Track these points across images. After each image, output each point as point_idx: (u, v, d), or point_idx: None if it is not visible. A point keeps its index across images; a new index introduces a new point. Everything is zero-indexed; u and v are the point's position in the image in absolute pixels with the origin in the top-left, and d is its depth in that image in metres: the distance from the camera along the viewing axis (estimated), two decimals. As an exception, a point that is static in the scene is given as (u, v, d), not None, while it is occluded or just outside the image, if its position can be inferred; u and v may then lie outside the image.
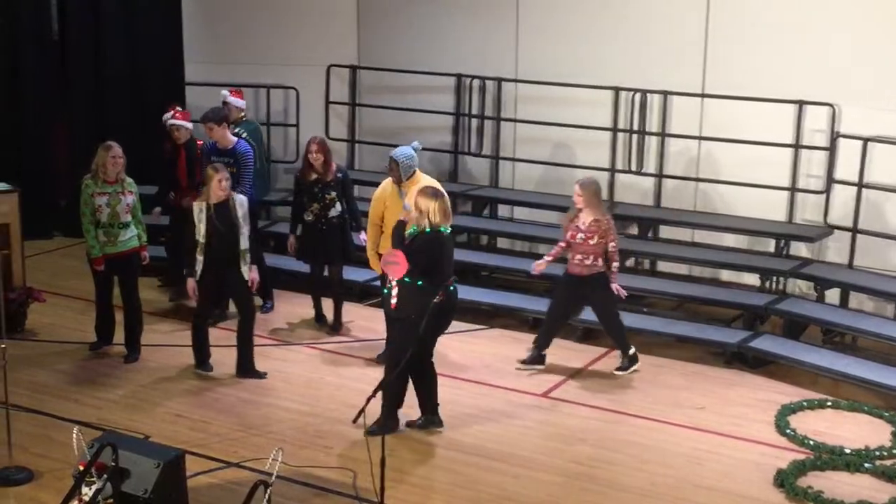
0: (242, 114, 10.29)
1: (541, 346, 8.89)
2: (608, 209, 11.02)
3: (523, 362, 8.86)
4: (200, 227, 8.24)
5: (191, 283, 8.37)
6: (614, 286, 8.60)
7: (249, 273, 8.35)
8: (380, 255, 8.20)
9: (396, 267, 7.27)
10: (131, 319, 8.81)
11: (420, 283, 7.30)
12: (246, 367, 8.51)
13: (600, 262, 8.57)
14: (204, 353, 8.60)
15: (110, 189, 8.50)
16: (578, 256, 8.58)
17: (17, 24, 11.67)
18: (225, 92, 10.36)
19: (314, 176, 9.19)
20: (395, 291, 7.45)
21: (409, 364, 7.14)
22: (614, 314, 8.84)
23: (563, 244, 8.73)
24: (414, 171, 8.43)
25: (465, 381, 8.60)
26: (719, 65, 10.69)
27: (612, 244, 8.54)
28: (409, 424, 7.74)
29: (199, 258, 8.29)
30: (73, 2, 12.05)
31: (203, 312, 8.55)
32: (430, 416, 7.76)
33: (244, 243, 8.30)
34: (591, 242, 8.51)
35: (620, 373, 8.77)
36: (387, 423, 7.50)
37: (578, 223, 8.57)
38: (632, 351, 8.83)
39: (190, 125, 9.98)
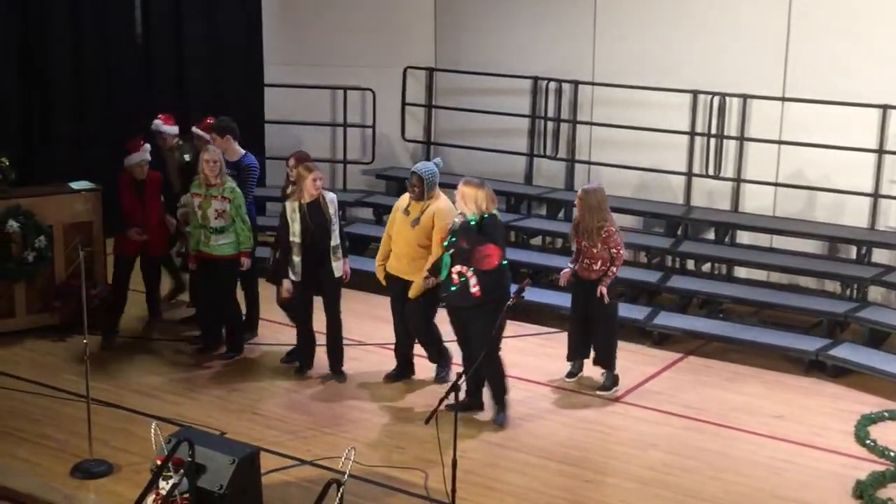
0: (176, 139, 9.84)
1: (572, 357, 8.66)
2: (685, 212, 10.99)
3: (569, 376, 8.67)
4: (294, 226, 8.28)
5: (286, 284, 8.40)
6: (601, 288, 8.22)
7: (343, 267, 8.40)
8: (390, 274, 8.38)
9: (491, 258, 7.57)
10: (225, 321, 8.98)
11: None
12: (332, 367, 8.61)
13: (607, 266, 8.31)
14: (305, 355, 8.66)
15: (205, 192, 8.64)
16: (586, 261, 8.33)
17: (103, 27, 11.91)
18: (157, 121, 9.87)
19: (292, 189, 8.63)
20: (473, 280, 7.59)
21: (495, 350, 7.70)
22: (612, 328, 8.49)
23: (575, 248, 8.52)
24: (435, 188, 8.24)
25: (538, 384, 8.56)
26: (801, 67, 10.52)
27: (614, 250, 8.23)
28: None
29: (296, 259, 8.33)
30: (158, 5, 12.28)
31: (305, 313, 8.54)
32: (474, 401, 8.01)
33: (335, 239, 8.33)
34: (595, 250, 8.25)
35: (604, 393, 8.39)
36: (505, 409, 7.89)
37: (581, 229, 8.34)
38: (617, 371, 8.49)
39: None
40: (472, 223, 7.68)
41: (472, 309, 7.67)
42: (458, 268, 7.71)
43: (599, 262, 8.27)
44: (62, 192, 9.56)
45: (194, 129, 9.64)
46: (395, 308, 8.44)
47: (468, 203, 7.69)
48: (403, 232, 8.20)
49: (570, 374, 8.66)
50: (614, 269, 8.28)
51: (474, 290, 7.62)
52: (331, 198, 8.37)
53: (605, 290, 8.24)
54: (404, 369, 8.56)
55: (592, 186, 8.43)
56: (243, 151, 9.27)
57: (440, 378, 8.47)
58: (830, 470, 7.30)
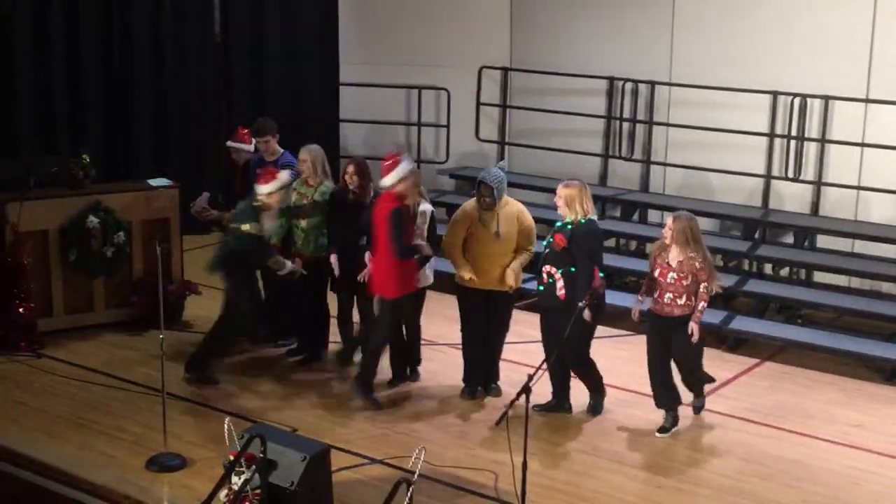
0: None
1: (666, 405, 7.86)
2: (763, 215, 10.79)
3: (661, 430, 7.79)
4: None
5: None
6: (692, 324, 7.55)
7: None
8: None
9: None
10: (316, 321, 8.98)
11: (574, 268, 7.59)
12: (408, 367, 8.62)
13: (693, 300, 7.59)
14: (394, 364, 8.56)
15: (304, 190, 8.64)
16: (669, 295, 7.61)
17: (182, 27, 12.10)
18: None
19: (351, 196, 8.44)
20: (560, 283, 7.58)
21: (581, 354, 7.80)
22: (698, 364, 7.86)
23: (649, 281, 7.79)
24: (504, 194, 7.99)
25: (609, 387, 8.47)
26: (886, 68, 10.26)
27: (703, 285, 7.55)
28: (536, 408, 7.86)
29: None
30: (236, 5, 12.43)
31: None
32: (560, 403, 8.04)
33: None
34: (685, 283, 7.56)
35: (662, 435, 7.71)
36: (600, 400, 8.05)
37: (669, 260, 7.63)
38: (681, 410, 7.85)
39: (248, 147, 9.28)
40: (569, 226, 7.62)
41: (558, 311, 7.58)
42: (547, 268, 7.70)
43: (685, 297, 7.61)
44: (141, 189, 9.71)
45: (229, 143, 9.41)
46: (476, 319, 8.20)
47: (573, 205, 7.60)
48: (488, 246, 7.96)
49: (663, 430, 7.81)
50: (703, 304, 7.60)
51: (560, 292, 7.60)
52: (423, 209, 8.23)
53: (697, 325, 7.58)
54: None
55: (684, 213, 7.69)
56: (282, 151, 9.15)
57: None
58: (912, 481, 7.13)
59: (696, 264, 7.57)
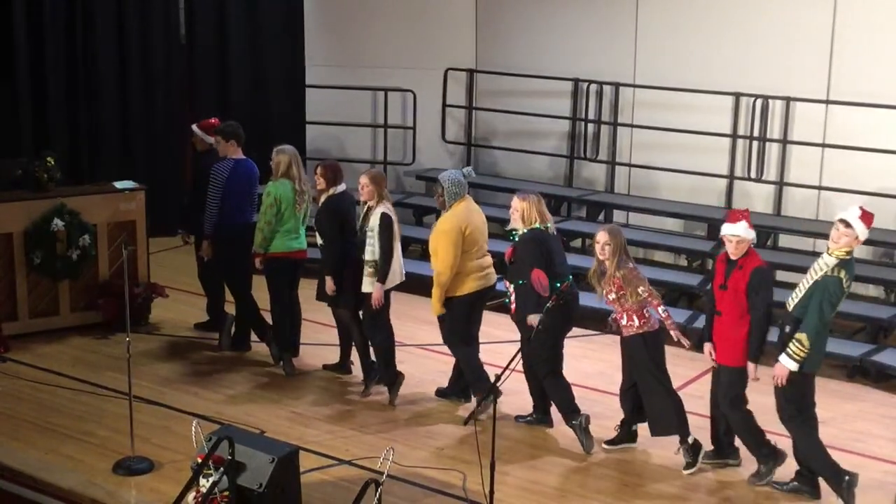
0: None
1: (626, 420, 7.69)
2: (726, 214, 10.87)
3: (610, 443, 7.63)
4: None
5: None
6: (675, 333, 7.23)
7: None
8: None
9: (540, 282, 7.29)
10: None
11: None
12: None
13: (636, 321, 7.18)
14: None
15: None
16: (615, 314, 7.36)
17: (147, 29, 12.05)
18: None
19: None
20: (512, 297, 7.57)
21: (547, 366, 7.53)
22: (654, 390, 7.33)
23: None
24: (457, 199, 7.83)
25: (576, 386, 8.52)
26: (846, 69, 10.41)
27: (640, 290, 7.09)
28: (518, 418, 7.89)
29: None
30: (201, 6, 12.39)
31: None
32: (542, 416, 7.87)
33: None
34: (611, 297, 7.19)
35: (689, 471, 7.21)
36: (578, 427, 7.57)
37: (605, 277, 7.26)
38: (691, 439, 7.31)
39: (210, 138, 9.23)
40: (515, 238, 7.60)
41: (520, 323, 7.61)
42: (504, 281, 7.74)
43: (625, 316, 7.21)
44: (106, 192, 9.67)
45: (194, 126, 9.43)
46: None
47: (525, 217, 7.50)
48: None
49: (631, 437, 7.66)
50: (661, 310, 7.18)
51: (512, 306, 7.63)
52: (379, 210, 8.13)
53: (677, 333, 7.26)
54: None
55: (614, 226, 7.38)
56: (241, 157, 8.95)
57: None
58: (872, 477, 7.22)
59: (623, 278, 7.12)
